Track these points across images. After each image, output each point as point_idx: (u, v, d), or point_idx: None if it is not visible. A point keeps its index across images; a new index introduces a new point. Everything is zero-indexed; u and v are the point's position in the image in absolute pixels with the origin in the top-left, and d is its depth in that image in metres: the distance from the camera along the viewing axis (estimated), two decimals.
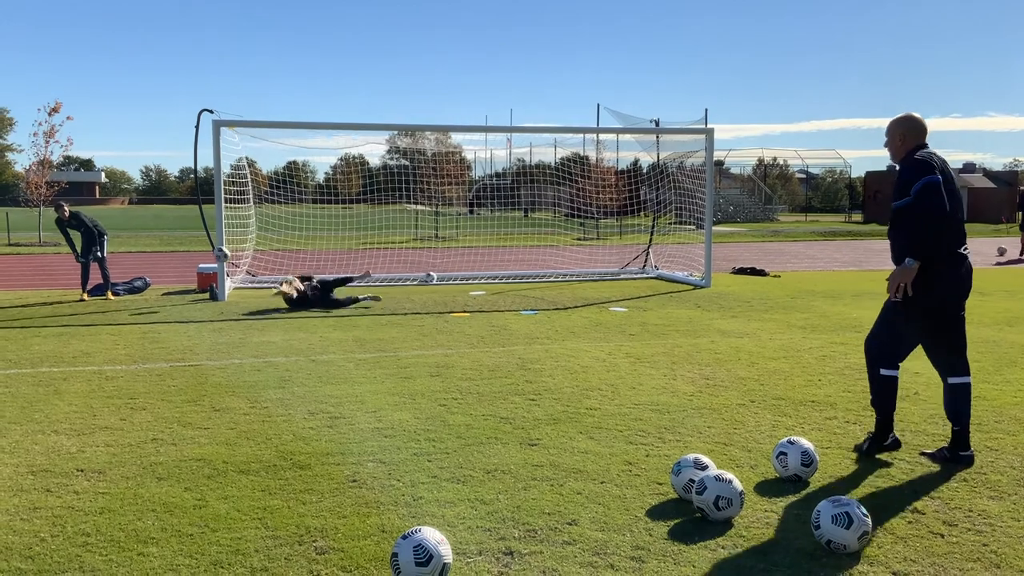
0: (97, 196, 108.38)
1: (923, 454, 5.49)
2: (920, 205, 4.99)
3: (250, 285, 16.01)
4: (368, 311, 12.45)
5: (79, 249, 14.03)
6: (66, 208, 13.98)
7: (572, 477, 5.09)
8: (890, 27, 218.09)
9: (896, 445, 5.53)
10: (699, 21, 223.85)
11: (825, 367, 8.29)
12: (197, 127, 15.03)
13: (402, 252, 24.08)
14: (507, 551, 4.06)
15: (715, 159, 18.83)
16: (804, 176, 76.00)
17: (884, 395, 5.44)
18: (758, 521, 4.44)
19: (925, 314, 5.22)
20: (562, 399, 6.99)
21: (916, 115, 5.41)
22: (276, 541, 4.16)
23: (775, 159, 73.72)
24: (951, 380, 5.35)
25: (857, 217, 56.15)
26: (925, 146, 5.30)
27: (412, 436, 5.92)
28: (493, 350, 9.22)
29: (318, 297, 12.83)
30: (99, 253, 14.07)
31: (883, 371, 5.40)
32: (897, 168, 5.36)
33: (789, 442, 5.06)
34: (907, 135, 5.34)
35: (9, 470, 5.20)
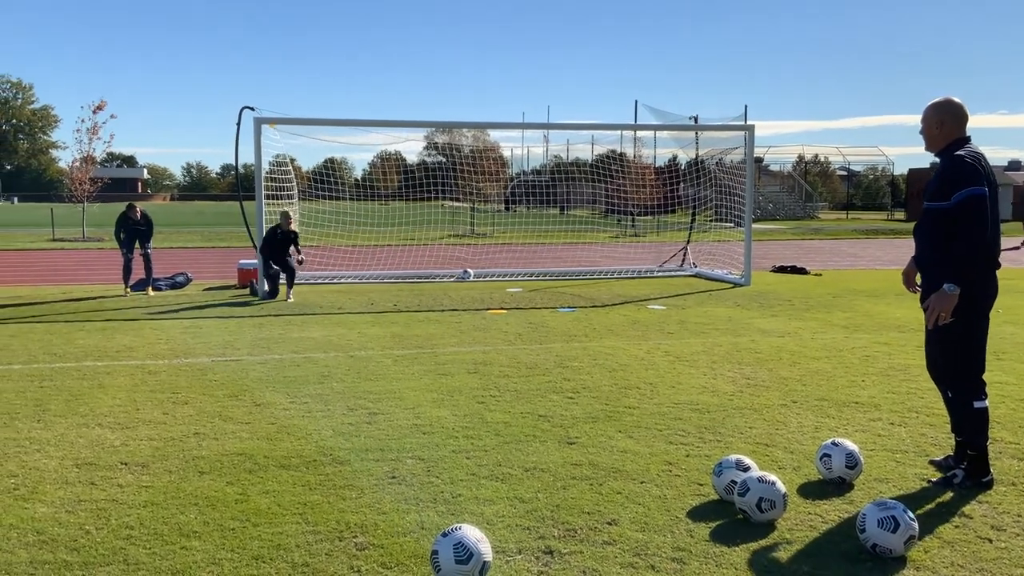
0: (139, 192, 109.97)
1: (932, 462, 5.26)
2: (962, 221, 4.52)
3: None
4: (406, 308, 12.49)
5: (135, 245, 14.25)
6: (138, 209, 14.35)
7: (611, 476, 5.05)
8: (937, 21, 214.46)
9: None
10: (740, 17, 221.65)
11: (868, 368, 8.15)
12: (239, 124, 15.17)
13: (439, 248, 24.14)
14: (547, 550, 4.04)
15: (755, 156, 18.62)
16: (845, 173, 74.95)
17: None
18: (801, 524, 4.37)
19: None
20: (600, 397, 6.95)
21: (956, 100, 4.84)
22: (317, 536, 4.18)
23: (816, 156, 72.85)
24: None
25: (900, 215, 55.33)
26: (967, 139, 4.79)
27: (450, 433, 5.92)
28: (531, 347, 9.20)
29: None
30: (149, 248, 14.31)
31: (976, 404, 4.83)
32: (935, 161, 4.95)
33: (833, 443, 4.98)
34: (946, 122, 4.80)
35: (55, 463, 5.28)
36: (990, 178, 4.68)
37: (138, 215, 14.19)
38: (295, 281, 14.07)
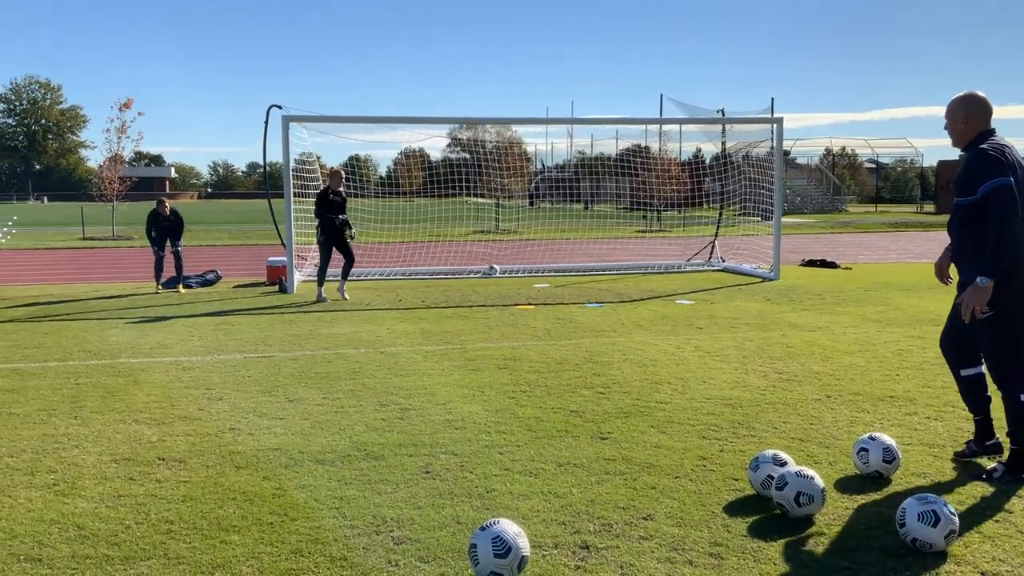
0: (167, 191, 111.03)
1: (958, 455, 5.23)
2: (991, 213, 4.49)
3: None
4: (434, 304, 12.52)
5: (167, 242, 14.35)
6: (167, 204, 14.45)
7: (645, 471, 5.04)
8: (969, 11, 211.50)
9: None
10: (765, 9, 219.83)
11: (903, 361, 8.07)
12: (266, 123, 15.28)
13: (464, 245, 24.17)
14: (583, 545, 4.04)
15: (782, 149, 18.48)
16: (873, 166, 74.19)
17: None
18: (839, 519, 4.34)
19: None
20: (631, 393, 6.93)
21: (980, 94, 4.85)
22: (354, 531, 4.20)
23: (843, 148, 72.14)
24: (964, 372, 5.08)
25: (929, 207, 54.66)
26: (992, 131, 4.78)
27: (483, 428, 5.93)
28: (560, 343, 9.19)
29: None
30: (180, 246, 14.42)
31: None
32: (963, 155, 4.86)
33: (871, 438, 4.93)
34: (970, 116, 4.79)
35: (93, 458, 5.34)
36: (1016, 169, 4.63)
37: (167, 211, 14.32)
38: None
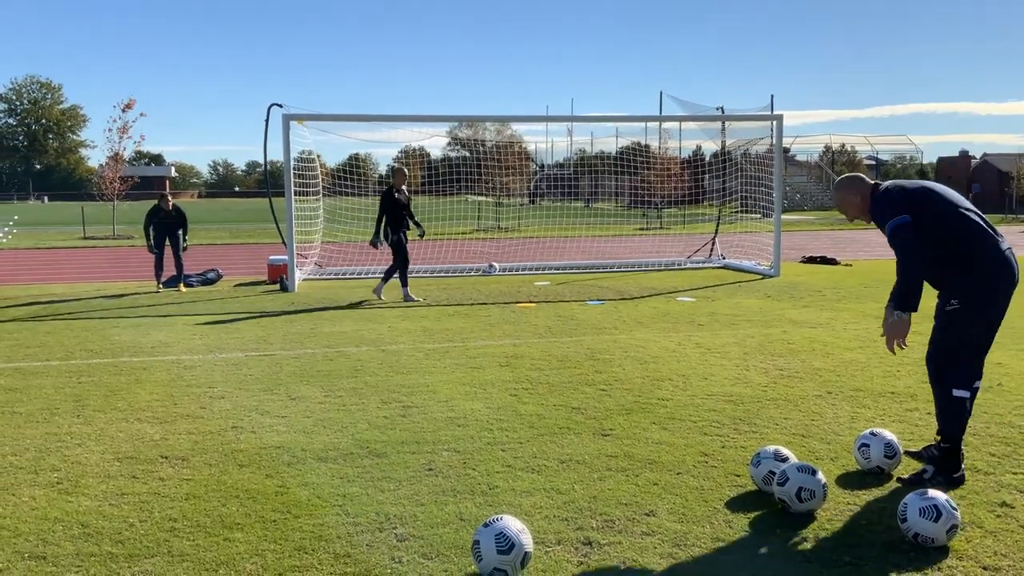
0: (168, 190, 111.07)
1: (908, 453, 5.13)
2: (896, 250, 4.62)
3: (318, 276, 16.26)
4: (435, 302, 12.53)
5: (166, 241, 14.34)
6: (170, 200, 14.40)
7: (647, 468, 5.05)
8: (969, 7, 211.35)
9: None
10: (765, 6, 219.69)
11: (903, 358, 8.05)
12: (267, 121, 15.27)
13: (465, 243, 24.18)
14: (586, 541, 4.05)
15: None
16: (873, 162, 74.18)
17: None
18: (841, 514, 4.35)
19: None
20: (633, 389, 6.94)
21: (849, 174, 5.10)
22: (357, 528, 4.21)
23: (843, 145, 72.11)
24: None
25: None
26: (877, 184, 4.90)
27: (485, 426, 5.94)
28: (561, 340, 9.21)
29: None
30: (184, 244, 14.42)
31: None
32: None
33: (872, 433, 4.95)
34: (861, 189, 4.91)
35: (96, 456, 5.36)
36: (921, 194, 4.69)
37: (169, 206, 14.26)
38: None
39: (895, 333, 4.67)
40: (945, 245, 4.66)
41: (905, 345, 4.69)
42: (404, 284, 12.74)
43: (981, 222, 4.71)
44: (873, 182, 4.97)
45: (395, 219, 12.40)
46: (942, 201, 4.72)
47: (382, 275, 13.10)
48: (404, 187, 12.67)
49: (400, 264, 12.63)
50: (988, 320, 4.75)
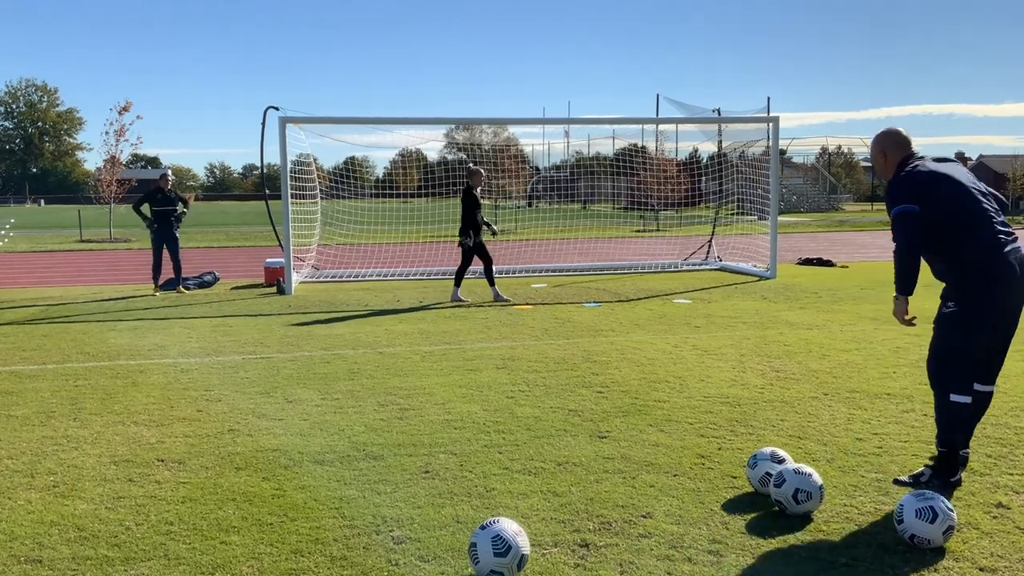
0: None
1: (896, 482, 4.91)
2: (897, 236, 4.74)
3: (315, 279, 16.25)
4: (432, 304, 12.53)
5: (163, 237, 14.21)
6: (170, 179, 14.29)
7: (644, 470, 5.06)
8: (966, 8, 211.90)
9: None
10: (761, 8, 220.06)
11: (899, 359, 8.10)
12: (263, 124, 15.27)
13: None
14: (582, 543, 4.05)
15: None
16: (870, 164, 74.35)
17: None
18: (837, 516, 4.35)
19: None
20: (630, 392, 6.95)
21: (894, 128, 5.05)
22: (354, 530, 4.21)
23: (839, 147, 72.32)
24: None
25: None
26: (910, 156, 4.89)
27: (482, 428, 5.94)
28: (558, 342, 9.21)
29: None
30: (178, 228, 14.31)
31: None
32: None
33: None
34: (888, 151, 4.97)
35: (92, 460, 5.35)
36: (936, 190, 4.68)
37: (168, 184, 14.15)
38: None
39: (896, 315, 4.93)
40: (940, 232, 4.71)
41: (915, 323, 4.91)
42: (491, 283, 13.01)
43: (984, 221, 4.66)
44: (905, 153, 4.93)
45: (474, 220, 12.58)
46: (948, 197, 4.70)
47: (452, 278, 13.19)
48: (479, 188, 12.89)
49: (486, 264, 12.92)
50: (990, 323, 4.70)
